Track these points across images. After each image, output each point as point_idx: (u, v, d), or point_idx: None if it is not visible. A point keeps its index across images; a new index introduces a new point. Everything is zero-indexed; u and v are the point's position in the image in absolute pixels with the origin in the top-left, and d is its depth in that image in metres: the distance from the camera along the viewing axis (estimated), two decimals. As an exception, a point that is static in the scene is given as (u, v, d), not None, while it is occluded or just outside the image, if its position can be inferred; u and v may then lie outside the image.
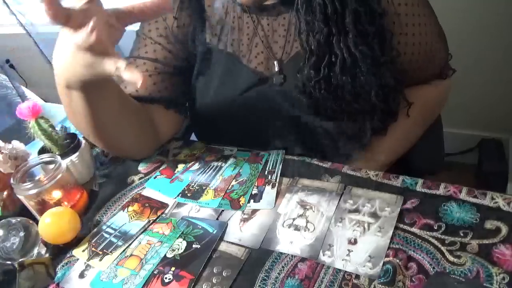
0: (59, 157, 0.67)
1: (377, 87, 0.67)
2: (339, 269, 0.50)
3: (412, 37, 0.70)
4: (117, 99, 0.66)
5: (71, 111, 0.64)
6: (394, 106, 0.72)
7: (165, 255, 0.57)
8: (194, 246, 0.57)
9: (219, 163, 0.72)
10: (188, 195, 0.66)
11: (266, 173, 0.68)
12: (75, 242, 0.62)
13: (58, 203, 0.65)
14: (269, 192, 0.64)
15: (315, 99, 0.69)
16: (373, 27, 0.64)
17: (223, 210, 0.62)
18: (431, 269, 0.48)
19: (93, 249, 0.60)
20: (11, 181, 0.64)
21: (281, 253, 0.54)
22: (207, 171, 0.71)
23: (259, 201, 0.62)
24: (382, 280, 0.48)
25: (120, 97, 0.67)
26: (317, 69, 0.66)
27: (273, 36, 0.72)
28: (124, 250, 0.59)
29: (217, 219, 0.61)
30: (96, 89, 0.60)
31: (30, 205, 0.64)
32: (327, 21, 0.63)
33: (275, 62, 0.72)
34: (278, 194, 0.63)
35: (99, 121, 0.65)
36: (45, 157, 0.67)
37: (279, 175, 0.67)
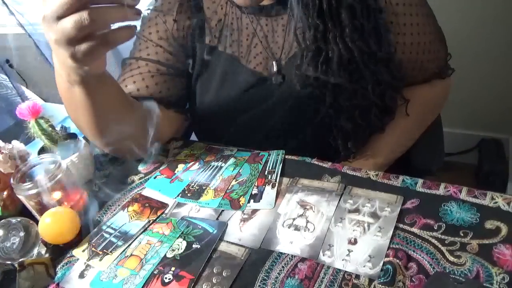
0: (59, 157, 0.67)
1: (373, 83, 0.67)
2: (339, 269, 0.50)
3: (411, 37, 0.70)
4: (117, 93, 0.66)
5: (72, 106, 0.63)
6: (391, 103, 0.72)
7: (165, 255, 0.57)
8: (194, 246, 0.57)
9: (219, 163, 0.72)
10: (188, 195, 0.66)
11: (266, 173, 0.67)
12: (75, 242, 0.62)
13: (58, 203, 0.65)
14: (269, 192, 0.64)
15: (314, 97, 0.69)
16: (369, 22, 0.64)
17: (223, 210, 0.62)
18: (431, 269, 0.48)
19: (93, 249, 0.60)
20: (11, 181, 0.64)
21: (281, 253, 0.54)
22: (207, 171, 0.71)
23: (259, 201, 0.62)
24: (382, 280, 0.48)
25: (119, 92, 0.67)
26: (314, 65, 0.66)
27: (272, 36, 0.72)
28: (124, 250, 0.59)
29: (217, 219, 0.61)
30: (96, 82, 0.59)
31: (30, 205, 0.64)
32: (322, 17, 0.63)
33: (274, 62, 0.72)
34: (278, 194, 0.63)
35: (100, 115, 0.64)
36: (45, 157, 0.67)
37: (279, 175, 0.66)
